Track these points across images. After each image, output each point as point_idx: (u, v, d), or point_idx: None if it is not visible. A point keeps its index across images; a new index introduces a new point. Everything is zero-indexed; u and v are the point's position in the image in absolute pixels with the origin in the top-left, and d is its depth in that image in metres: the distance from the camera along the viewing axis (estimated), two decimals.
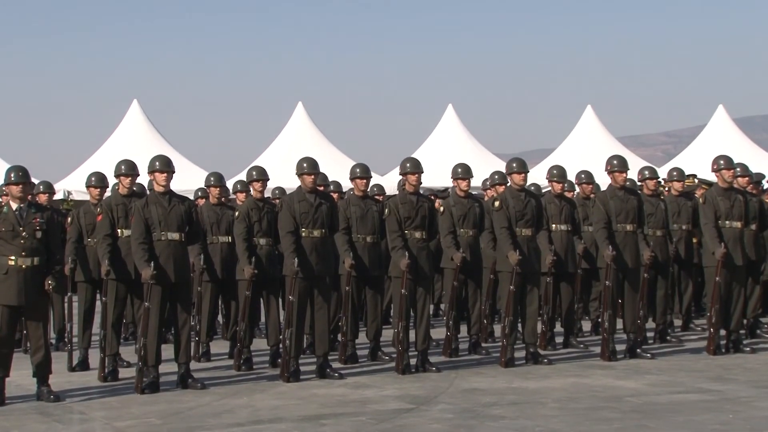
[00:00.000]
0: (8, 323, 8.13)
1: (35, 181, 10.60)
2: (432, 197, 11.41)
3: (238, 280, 10.02)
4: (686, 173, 12.70)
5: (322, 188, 10.19)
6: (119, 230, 9.29)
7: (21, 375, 8.63)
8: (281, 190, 12.64)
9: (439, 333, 10.95)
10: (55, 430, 7.23)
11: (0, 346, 8.06)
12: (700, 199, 10.74)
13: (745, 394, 8.16)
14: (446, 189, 14.52)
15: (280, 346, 9.35)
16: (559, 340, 11.04)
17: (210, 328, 10.65)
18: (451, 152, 23.90)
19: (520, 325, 9.83)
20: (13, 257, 8.06)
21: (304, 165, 9.25)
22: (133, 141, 24.22)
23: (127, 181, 9.53)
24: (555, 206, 10.89)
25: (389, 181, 20.37)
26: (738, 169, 10.80)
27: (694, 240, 11.84)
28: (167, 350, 8.93)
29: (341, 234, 9.82)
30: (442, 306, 13.13)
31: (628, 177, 10.54)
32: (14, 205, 8.20)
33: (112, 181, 10.10)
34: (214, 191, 10.82)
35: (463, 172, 10.63)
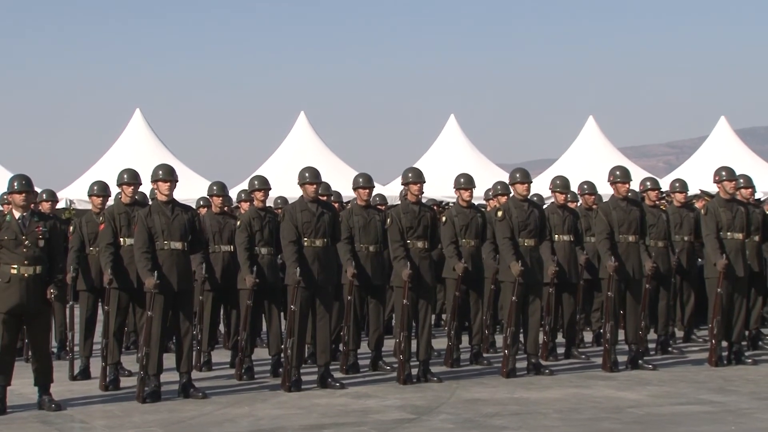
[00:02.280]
0: (10, 332, 8.13)
1: (38, 189, 10.60)
2: (434, 207, 11.41)
3: (240, 289, 10.02)
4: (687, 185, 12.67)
5: (324, 198, 10.20)
6: (122, 239, 9.30)
7: (22, 384, 8.62)
8: (283, 199, 12.64)
9: (440, 343, 10.94)
10: None
11: (1, 354, 8.06)
12: (702, 210, 10.73)
13: (746, 406, 8.15)
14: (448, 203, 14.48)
15: (282, 355, 9.35)
16: (560, 350, 11.03)
17: (211, 338, 10.65)
18: (453, 162, 23.86)
19: (522, 335, 9.83)
20: (15, 266, 8.06)
21: (306, 174, 9.26)
22: (135, 150, 24.20)
23: (129, 190, 9.54)
24: (558, 217, 10.89)
25: (391, 191, 20.37)
26: (741, 181, 10.80)
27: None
28: (169, 359, 8.93)
29: (344, 243, 9.82)
30: (444, 316, 13.12)
31: (630, 188, 10.54)
32: (17, 214, 8.20)
33: (114, 190, 10.10)
34: (217, 200, 10.82)
35: (465, 182, 10.64)
